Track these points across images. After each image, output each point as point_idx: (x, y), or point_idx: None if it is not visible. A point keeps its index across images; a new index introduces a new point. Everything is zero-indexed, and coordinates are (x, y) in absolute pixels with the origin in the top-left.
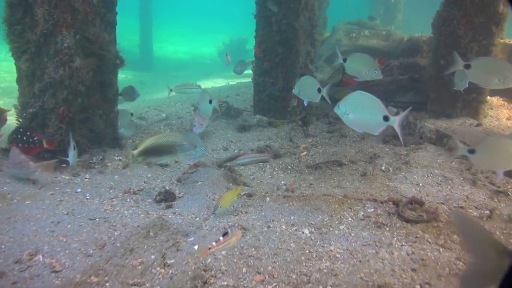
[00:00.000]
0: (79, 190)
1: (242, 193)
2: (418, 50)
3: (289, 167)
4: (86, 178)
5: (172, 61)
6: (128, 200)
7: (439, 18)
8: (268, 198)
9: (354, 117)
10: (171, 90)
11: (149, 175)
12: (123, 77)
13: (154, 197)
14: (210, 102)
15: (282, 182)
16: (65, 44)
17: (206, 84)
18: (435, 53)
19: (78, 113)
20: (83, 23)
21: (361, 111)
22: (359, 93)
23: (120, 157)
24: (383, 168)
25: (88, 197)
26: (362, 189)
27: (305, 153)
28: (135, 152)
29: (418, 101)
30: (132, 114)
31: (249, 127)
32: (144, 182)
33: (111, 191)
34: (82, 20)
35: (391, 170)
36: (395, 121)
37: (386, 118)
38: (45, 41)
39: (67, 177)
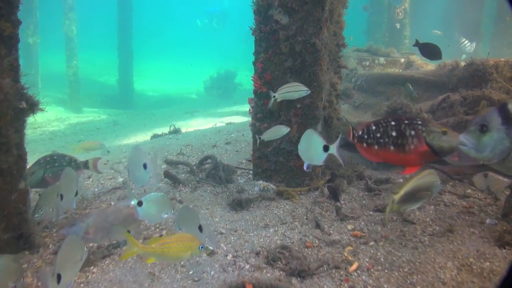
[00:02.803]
0: None
1: None
2: (485, 79)
3: None
4: None
5: (155, 98)
6: None
7: None
8: None
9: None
10: (274, 96)
11: None
12: (96, 116)
13: None
14: (145, 167)
15: None
16: None
17: (189, 124)
18: None
19: None
20: None
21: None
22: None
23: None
24: None
25: None
26: None
27: (355, 266)
28: (396, 197)
29: None
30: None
31: (248, 202)
32: None
33: None
34: None
35: None
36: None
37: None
38: None
39: None
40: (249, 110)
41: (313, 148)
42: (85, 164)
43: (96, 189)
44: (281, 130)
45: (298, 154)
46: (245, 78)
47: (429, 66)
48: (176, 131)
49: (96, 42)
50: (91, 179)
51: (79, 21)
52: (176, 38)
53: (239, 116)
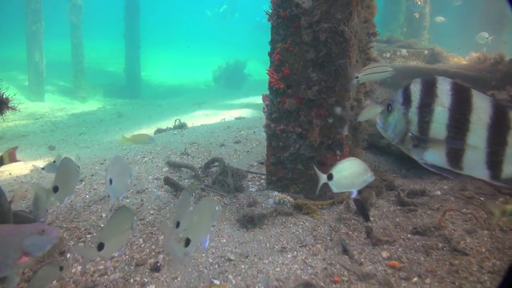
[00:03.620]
0: None
1: None
2: None
3: None
4: None
5: (163, 87)
6: None
7: None
8: None
9: None
10: (357, 77)
11: None
12: (100, 107)
13: None
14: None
15: None
16: None
17: (196, 117)
18: None
19: None
20: None
21: None
22: None
23: None
24: None
25: None
26: None
27: None
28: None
29: None
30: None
31: (261, 218)
32: None
33: None
34: None
35: None
36: None
37: None
38: None
39: None
40: (263, 109)
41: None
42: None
43: (87, 196)
44: (377, 110)
45: (319, 161)
46: (255, 69)
47: (456, 58)
48: (182, 126)
49: (103, 30)
50: (83, 183)
51: (84, 8)
52: (185, 27)
53: (249, 109)
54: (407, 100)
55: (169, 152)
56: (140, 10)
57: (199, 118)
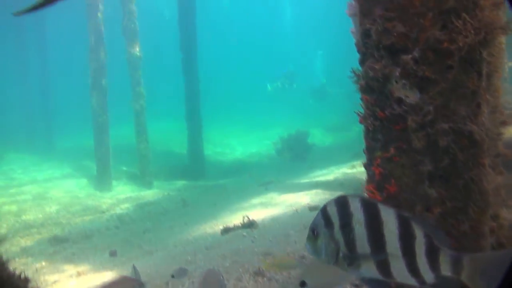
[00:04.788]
0: None
1: None
2: None
3: None
4: None
5: (226, 164)
6: None
7: None
8: None
9: None
10: None
11: None
12: (165, 194)
13: None
14: None
15: None
16: None
17: (265, 204)
18: None
19: None
20: None
21: None
22: None
23: None
24: None
25: None
26: None
27: None
28: None
29: None
30: None
31: None
32: None
33: None
34: None
35: None
36: None
37: None
38: None
39: None
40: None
41: None
42: None
43: None
44: None
45: None
46: (317, 137)
47: None
48: (251, 225)
49: (165, 113)
50: None
51: (146, 93)
52: (244, 101)
53: (319, 190)
54: (328, 223)
55: (240, 270)
56: (200, 92)
57: (268, 205)
